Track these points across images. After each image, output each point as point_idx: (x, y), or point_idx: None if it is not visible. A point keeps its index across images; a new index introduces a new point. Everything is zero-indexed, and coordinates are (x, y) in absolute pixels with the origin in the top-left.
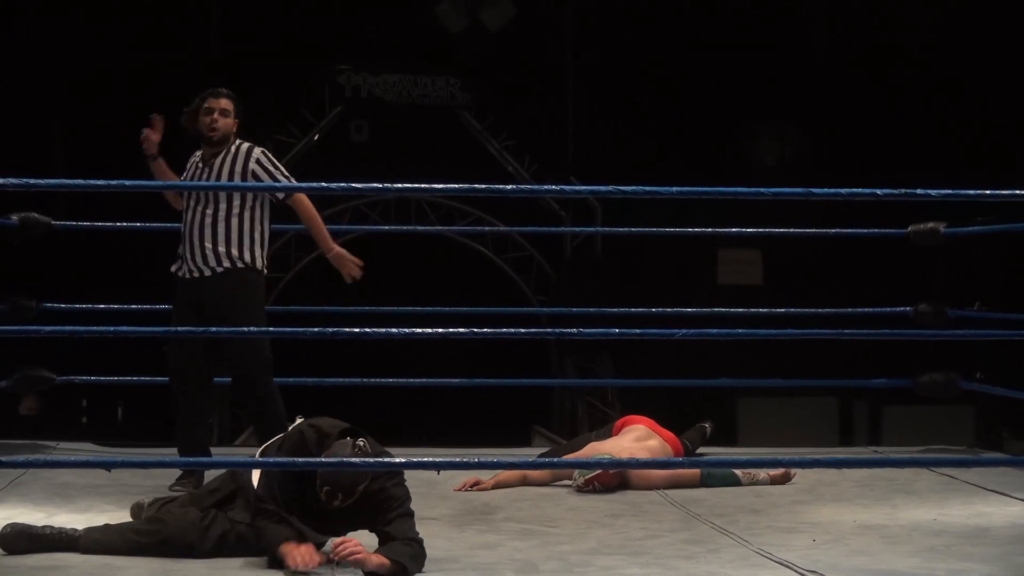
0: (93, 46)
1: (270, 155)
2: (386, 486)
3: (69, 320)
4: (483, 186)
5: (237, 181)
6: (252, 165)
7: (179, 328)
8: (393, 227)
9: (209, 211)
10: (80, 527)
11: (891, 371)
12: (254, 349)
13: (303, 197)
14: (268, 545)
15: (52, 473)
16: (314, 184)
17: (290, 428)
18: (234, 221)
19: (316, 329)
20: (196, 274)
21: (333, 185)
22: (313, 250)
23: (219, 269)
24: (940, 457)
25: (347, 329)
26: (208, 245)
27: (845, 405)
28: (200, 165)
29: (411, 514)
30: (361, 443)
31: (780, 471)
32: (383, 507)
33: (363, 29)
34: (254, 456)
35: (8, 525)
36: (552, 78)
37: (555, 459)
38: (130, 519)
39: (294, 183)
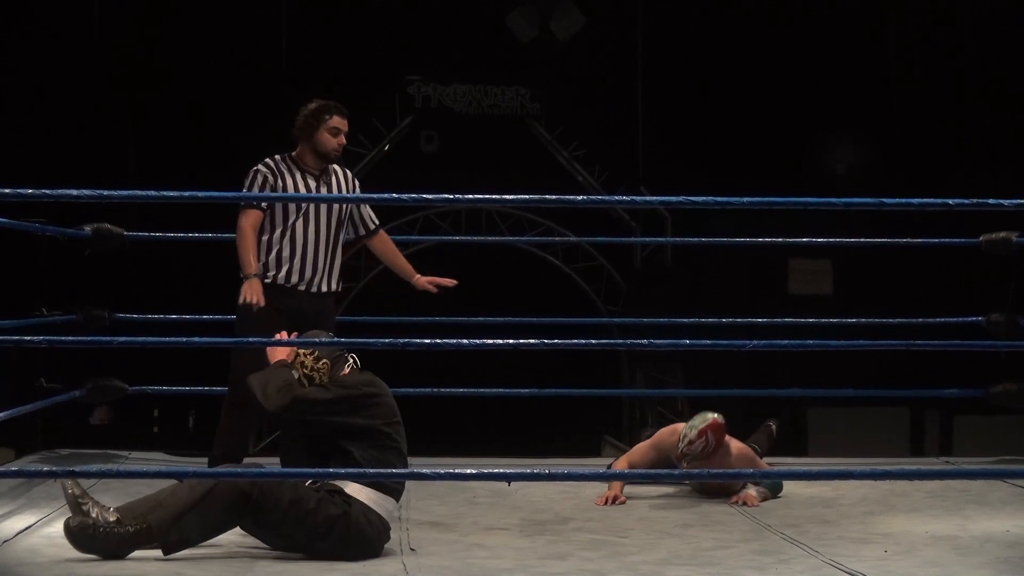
0: (166, 58)
1: None
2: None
3: (141, 330)
4: (553, 197)
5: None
6: (357, 190)
7: (250, 339)
8: (463, 237)
9: (332, 232)
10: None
11: (963, 381)
12: None
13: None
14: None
15: (124, 483)
16: (385, 195)
17: None
18: (340, 247)
19: (387, 340)
20: (314, 289)
21: (404, 196)
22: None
23: (328, 290)
24: (1013, 468)
25: (418, 340)
26: (332, 264)
27: (916, 415)
28: (310, 182)
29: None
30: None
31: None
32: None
33: (433, 40)
34: None
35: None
36: (622, 87)
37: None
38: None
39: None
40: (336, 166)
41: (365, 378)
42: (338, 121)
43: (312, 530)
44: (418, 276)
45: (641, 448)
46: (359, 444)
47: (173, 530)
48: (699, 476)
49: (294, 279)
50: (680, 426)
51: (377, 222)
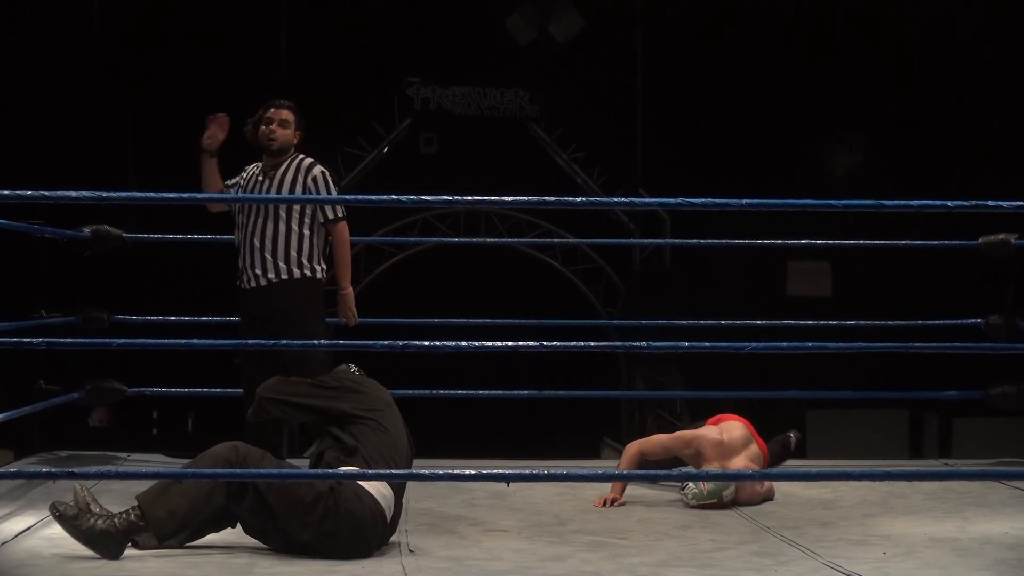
0: (165, 59)
1: (329, 177)
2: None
3: (140, 332)
4: (553, 199)
5: (297, 194)
6: (308, 181)
7: (249, 340)
8: (462, 239)
9: (270, 223)
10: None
11: (962, 383)
12: (310, 361)
13: (343, 230)
14: None
15: (123, 485)
16: (384, 196)
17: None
18: (294, 234)
19: (387, 342)
20: (254, 283)
21: (403, 197)
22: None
23: (276, 279)
24: (1012, 470)
25: (417, 342)
26: (268, 255)
27: (915, 417)
28: (260, 177)
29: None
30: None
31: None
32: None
33: (432, 42)
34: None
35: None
36: (621, 89)
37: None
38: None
39: (340, 207)
40: (302, 157)
41: (346, 374)
42: (271, 112)
43: (297, 502)
44: (344, 294)
45: (659, 441)
46: (345, 431)
47: (159, 503)
48: (698, 476)
49: (238, 277)
50: (691, 437)
51: (335, 216)
